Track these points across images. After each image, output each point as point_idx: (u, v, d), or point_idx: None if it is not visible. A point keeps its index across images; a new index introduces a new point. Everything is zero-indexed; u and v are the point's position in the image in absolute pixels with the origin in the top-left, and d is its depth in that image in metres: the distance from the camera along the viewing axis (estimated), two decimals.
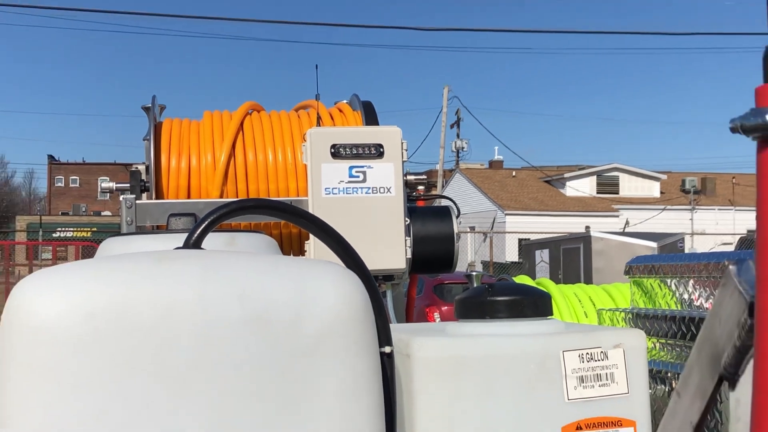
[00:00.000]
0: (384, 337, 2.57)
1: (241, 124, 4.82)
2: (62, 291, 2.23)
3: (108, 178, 5.23)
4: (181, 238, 2.70)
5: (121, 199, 4.56)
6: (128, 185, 4.75)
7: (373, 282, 2.63)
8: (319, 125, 4.64)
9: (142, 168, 4.92)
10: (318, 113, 4.91)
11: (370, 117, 4.94)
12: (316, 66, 4.73)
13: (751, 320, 0.93)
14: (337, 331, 2.30)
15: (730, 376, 1.01)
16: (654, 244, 21.90)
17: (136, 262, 2.37)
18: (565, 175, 51.11)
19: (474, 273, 4.06)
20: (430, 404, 2.76)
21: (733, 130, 0.92)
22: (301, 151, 4.60)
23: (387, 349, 2.58)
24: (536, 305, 3.01)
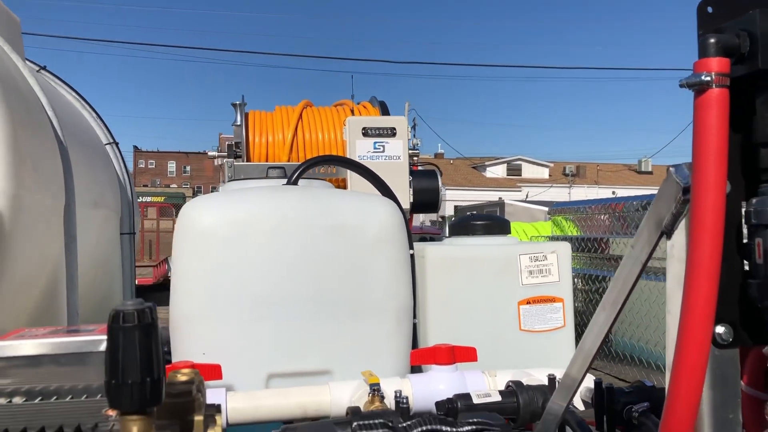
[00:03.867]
0: (410, 244, 2.70)
1: (300, 114, 4.95)
2: (216, 208, 2.37)
3: (214, 152, 5.27)
4: (275, 182, 2.82)
5: (224, 161, 4.70)
6: (226, 153, 4.88)
7: (402, 208, 2.75)
8: (353, 115, 4.78)
9: (233, 143, 5.04)
10: (351, 108, 5.03)
11: (385, 111, 5.08)
12: (352, 76, 4.82)
13: (684, 197, 1.08)
14: (385, 236, 2.44)
15: (668, 231, 1.16)
16: (545, 209, 22.00)
17: (261, 191, 2.49)
18: (486, 163, 51.09)
19: (447, 216, 4.20)
20: (436, 286, 2.91)
21: (681, 86, 1.06)
22: (339, 132, 4.73)
23: (411, 251, 2.71)
24: (501, 226, 3.16)
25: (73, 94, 3.97)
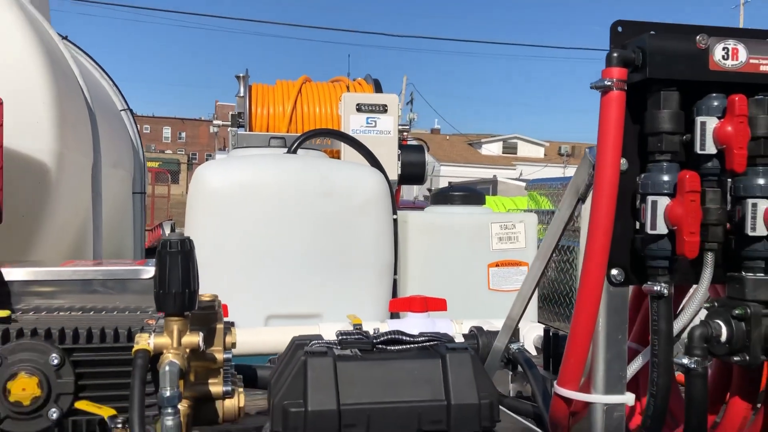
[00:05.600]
0: (393, 210, 3.00)
1: (299, 89, 5.22)
2: (225, 171, 2.66)
3: (215, 118, 5.56)
4: (276, 150, 3.10)
5: (228, 130, 4.98)
6: (230, 123, 5.17)
7: (389, 178, 3.05)
8: (348, 92, 5.05)
9: (236, 113, 5.32)
10: (347, 85, 5.31)
11: (378, 88, 5.36)
12: (348, 55, 5.11)
13: (593, 171, 1.38)
14: (373, 202, 2.74)
15: (583, 198, 1.47)
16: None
17: (265, 158, 2.79)
18: (482, 140, 50.97)
19: (432, 189, 4.45)
20: (416, 248, 3.23)
21: (592, 87, 1.35)
22: (335, 107, 5.00)
23: (395, 216, 3.02)
24: (476, 198, 3.48)
25: (92, 63, 4.23)
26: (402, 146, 5.06)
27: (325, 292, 2.66)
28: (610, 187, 1.29)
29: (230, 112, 5.29)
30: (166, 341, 1.27)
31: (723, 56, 1.30)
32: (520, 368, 2.16)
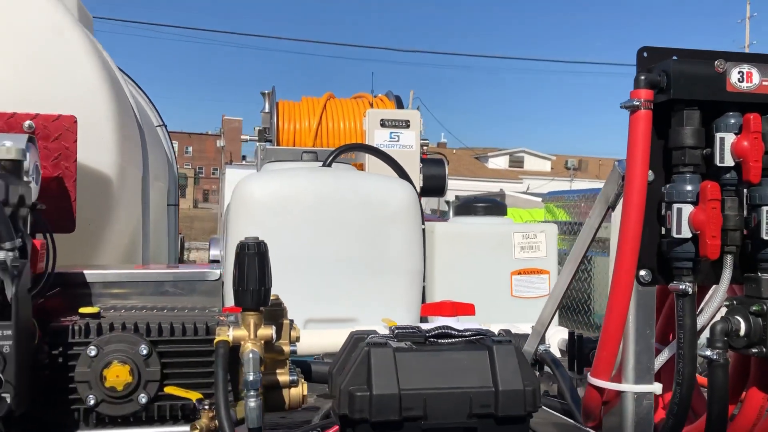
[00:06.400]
0: (422, 219, 3.14)
1: (324, 105, 5.40)
2: (266, 183, 2.81)
3: (246, 136, 5.73)
4: (308, 164, 3.26)
5: (257, 144, 5.16)
6: (257, 138, 5.35)
7: (416, 188, 3.20)
8: (371, 107, 5.22)
9: (261, 129, 5.51)
10: (370, 101, 5.48)
11: (399, 104, 5.54)
12: (372, 73, 5.26)
13: (622, 182, 1.52)
14: (403, 211, 2.88)
15: (613, 206, 1.60)
16: None
17: (302, 171, 2.94)
18: (488, 154, 50.87)
19: (451, 201, 4.62)
20: (442, 257, 3.36)
21: (622, 107, 1.49)
22: (359, 122, 5.17)
23: (423, 226, 3.15)
24: (498, 209, 3.61)
25: (131, 81, 4.42)
26: (423, 160, 5.22)
27: (359, 297, 2.80)
28: (639, 196, 1.44)
29: (257, 127, 5.47)
30: (244, 333, 1.42)
31: (739, 79, 1.44)
32: (546, 368, 2.29)
